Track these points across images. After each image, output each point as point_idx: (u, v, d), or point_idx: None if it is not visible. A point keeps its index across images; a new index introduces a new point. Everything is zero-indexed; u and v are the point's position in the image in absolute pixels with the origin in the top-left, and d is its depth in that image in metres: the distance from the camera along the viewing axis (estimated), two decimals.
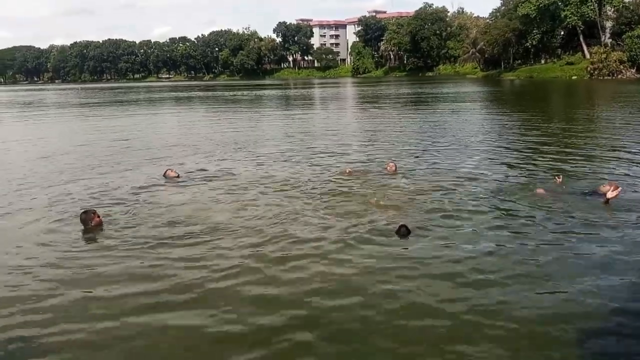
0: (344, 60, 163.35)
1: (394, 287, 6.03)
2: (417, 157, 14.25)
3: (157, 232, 8.01)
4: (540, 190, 9.59)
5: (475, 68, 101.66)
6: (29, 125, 28.45)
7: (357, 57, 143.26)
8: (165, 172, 11.91)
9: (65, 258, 7.10)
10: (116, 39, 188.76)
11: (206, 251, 7.20)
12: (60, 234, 8.15)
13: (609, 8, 75.41)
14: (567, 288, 5.89)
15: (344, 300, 5.77)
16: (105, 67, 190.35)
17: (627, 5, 72.68)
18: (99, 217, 8.32)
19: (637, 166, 12.32)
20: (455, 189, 10.24)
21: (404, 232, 7.52)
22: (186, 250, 7.23)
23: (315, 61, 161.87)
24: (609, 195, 8.52)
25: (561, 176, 10.46)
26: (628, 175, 11.37)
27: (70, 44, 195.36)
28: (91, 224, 8.19)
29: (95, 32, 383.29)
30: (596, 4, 73.94)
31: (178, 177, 11.69)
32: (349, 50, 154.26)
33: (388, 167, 11.87)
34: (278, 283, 6.23)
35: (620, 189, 8.70)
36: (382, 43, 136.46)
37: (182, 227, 8.25)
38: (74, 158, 15.46)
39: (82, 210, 8.55)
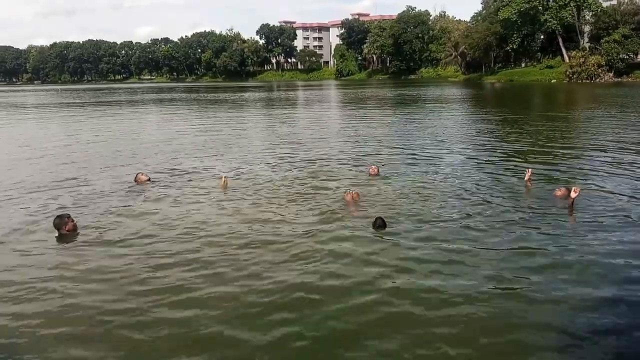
0: (327, 62, 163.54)
1: (370, 277, 6.26)
2: (400, 158, 14.32)
3: (128, 239, 7.82)
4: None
5: (457, 71, 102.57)
6: (1, 127, 27.86)
7: (341, 60, 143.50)
8: (136, 176, 11.67)
9: (36, 263, 6.93)
10: (97, 40, 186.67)
11: (178, 256, 7.06)
12: (31, 238, 7.94)
13: (587, 13, 76.74)
14: (538, 286, 5.93)
15: (325, 293, 5.89)
16: (86, 68, 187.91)
17: (604, 10, 73.96)
18: (73, 222, 8.08)
19: (605, 166, 12.56)
20: (433, 188, 10.51)
21: (380, 224, 7.82)
22: (158, 256, 7.09)
23: (299, 63, 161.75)
24: (572, 195, 8.67)
25: (530, 170, 10.70)
26: (593, 174, 11.71)
27: (50, 45, 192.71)
28: (65, 228, 7.95)
29: (79, 33, 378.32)
30: (575, 9, 75.11)
31: (149, 180, 11.46)
32: (332, 52, 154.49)
33: (370, 170, 12.07)
34: (257, 282, 6.19)
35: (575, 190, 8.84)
36: (365, 46, 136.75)
37: (153, 232, 8.10)
38: (47, 160, 15.14)
39: (57, 215, 8.30)
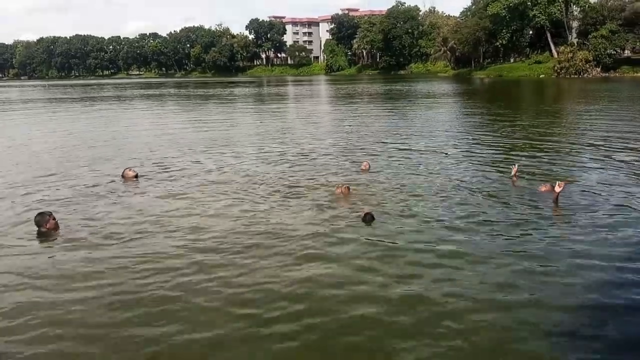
0: (317, 57, 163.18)
1: (359, 267, 6.46)
2: (391, 154, 14.33)
3: (113, 236, 7.69)
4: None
5: (447, 66, 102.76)
6: None
7: (330, 55, 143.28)
8: (124, 172, 11.53)
9: (12, 261, 6.80)
10: (84, 35, 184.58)
11: (164, 256, 6.92)
12: (11, 235, 7.79)
13: (575, 8, 77.18)
14: (526, 283, 5.92)
15: (316, 284, 6.00)
16: (73, 64, 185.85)
17: (592, 5, 74.43)
18: (54, 219, 7.96)
19: (592, 160, 12.59)
20: (423, 184, 10.55)
21: (368, 218, 8.04)
22: (142, 255, 6.93)
23: (289, 58, 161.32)
24: (557, 189, 8.68)
25: (516, 165, 10.72)
26: (580, 169, 11.76)
27: (37, 40, 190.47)
28: (45, 226, 7.83)
29: (68, 28, 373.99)
30: (563, 4, 75.53)
31: (136, 177, 11.33)
32: (322, 47, 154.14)
33: (362, 165, 12.12)
34: (247, 281, 6.13)
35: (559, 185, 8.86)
36: (355, 41, 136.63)
37: (138, 230, 7.94)
38: (31, 155, 14.92)
39: (38, 212, 8.15)
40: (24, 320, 5.30)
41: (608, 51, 69.49)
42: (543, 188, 9.55)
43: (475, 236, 7.39)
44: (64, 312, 5.47)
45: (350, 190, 9.57)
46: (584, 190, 9.78)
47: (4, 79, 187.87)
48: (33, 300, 5.74)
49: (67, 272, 6.48)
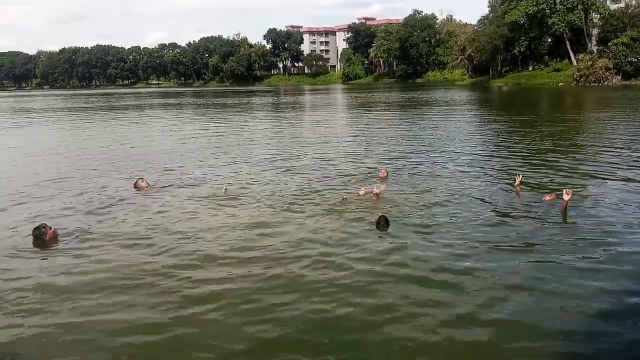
0: (334, 66, 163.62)
1: (373, 271, 6.57)
2: (410, 162, 14.30)
3: (119, 247, 7.70)
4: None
5: (464, 75, 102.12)
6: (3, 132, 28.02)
7: (347, 64, 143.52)
8: (136, 182, 11.60)
9: (14, 271, 6.86)
10: (105, 45, 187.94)
11: (174, 266, 6.90)
12: (17, 246, 7.87)
13: (595, 16, 76.21)
14: (540, 287, 5.93)
15: (332, 287, 6.12)
16: (94, 74, 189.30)
17: (612, 13, 73.45)
18: (51, 229, 8.05)
19: (605, 171, 12.30)
20: (439, 193, 10.48)
21: (383, 223, 8.08)
22: (147, 267, 6.90)
23: (306, 68, 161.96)
24: (566, 198, 8.42)
25: (520, 175, 10.44)
26: (593, 179, 11.63)
27: (59, 50, 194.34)
28: (46, 238, 7.93)
29: (91, 40, 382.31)
30: (583, 12, 74.63)
31: (149, 187, 11.38)
32: (339, 57, 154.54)
33: (381, 173, 12.16)
34: (261, 288, 6.18)
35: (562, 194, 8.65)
36: (372, 50, 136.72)
37: (146, 241, 7.92)
38: (46, 165, 15.16)
39: (34, 227, 8.19)
40: (21, 331, 5.33)
41: (629, 59, 68.38)
42: (548, 198, 9.31)
43: (486, 250, 7.25)
44: (62, 325, 5.46)
45: (346, 199, 9.52)
46: (592, 201, 9.58)
47: (27, 88, 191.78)
48: (37, 308, 5.78)
49: (66, 283, 6.48)
